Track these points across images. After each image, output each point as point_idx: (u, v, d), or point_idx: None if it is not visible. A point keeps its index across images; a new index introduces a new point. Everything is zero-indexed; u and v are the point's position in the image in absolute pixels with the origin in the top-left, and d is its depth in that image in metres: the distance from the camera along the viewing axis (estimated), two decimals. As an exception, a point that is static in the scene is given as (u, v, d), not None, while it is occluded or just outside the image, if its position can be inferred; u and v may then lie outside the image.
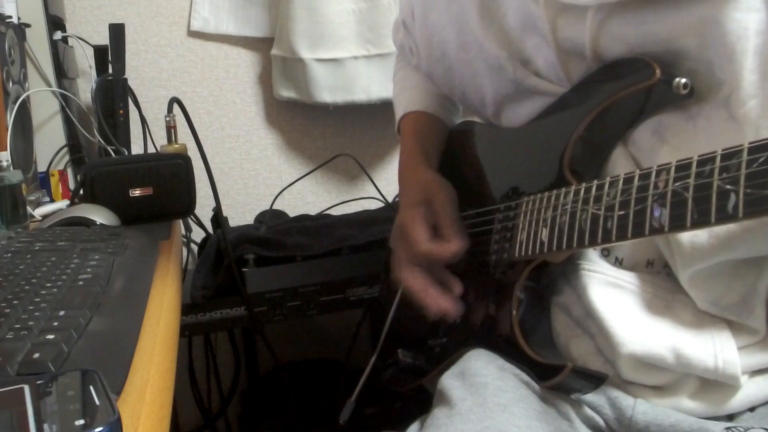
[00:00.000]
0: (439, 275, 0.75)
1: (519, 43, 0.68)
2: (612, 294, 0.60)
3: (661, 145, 0.58)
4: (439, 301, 0.72)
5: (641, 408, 0.59)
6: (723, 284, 0.57)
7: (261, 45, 1.52)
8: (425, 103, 0.88)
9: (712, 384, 0.58)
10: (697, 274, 0.57)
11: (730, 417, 0.59)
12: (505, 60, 0.69)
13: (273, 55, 1.48)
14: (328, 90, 1.45)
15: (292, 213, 1.47)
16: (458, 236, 0.72)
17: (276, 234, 1.22)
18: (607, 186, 0.56)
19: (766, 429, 0.55)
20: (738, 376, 0.56)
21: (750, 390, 0.58)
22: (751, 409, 0.59)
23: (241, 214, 1.56)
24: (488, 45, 0.70)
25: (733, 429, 0.56)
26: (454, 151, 0.85)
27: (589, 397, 0.62)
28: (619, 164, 0.61)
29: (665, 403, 0.59)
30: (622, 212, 0.53)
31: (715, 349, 0.56)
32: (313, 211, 1.52)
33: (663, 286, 0.60)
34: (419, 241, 0.73)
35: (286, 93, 1.49)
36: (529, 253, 0.64)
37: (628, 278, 0.61)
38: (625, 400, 0.60)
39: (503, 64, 0.69)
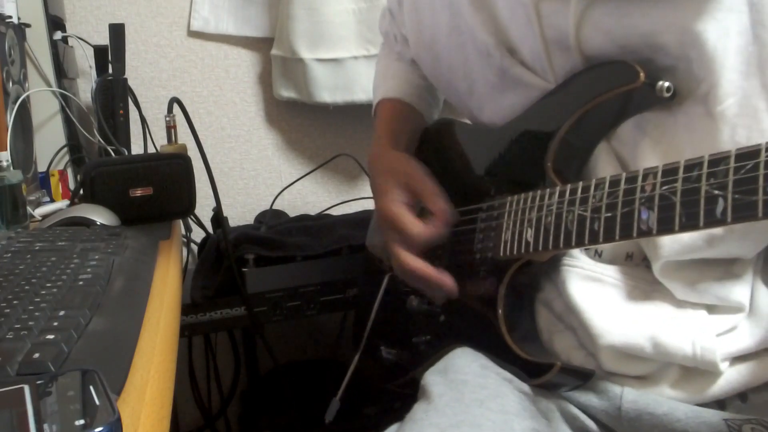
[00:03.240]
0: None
1: (506, 30, 0.68)
2: (591, 287, 0.61)
3: (643, 137, 0.59)
4: (445, 279, 0.71)
5: (629, 396, 0.60)
6: (694, 271, 0.58)
7: (261, 45, 1.52)
8: (403, 92, 0.88)
9: (694, 372, 0.58)
10: (669, 266, 0.58)
11: (721, 404, 0.59)
12: (493, 47, 0.69)
13: (273, 55, 1.48)
14: (328, 90, 1.45)
15: (292, 213, 1.47)
16: (445, 209, 0.72)
17: (276, 234, 1.22)
18: (592, 188, 0.56)
19: (763, 424, 0.55)
20: (716, 363, 0.56)
21: (731, 377, 0.58)
22: (743, 399, 0.59)
23: (241, 214, 1.56)
24: (478, 31, 0.70)
25: (730, 422, 0.56)
26: (431, 149, 0.85)
27: (575, 391, 0.62)
28: (602, 159, 0.62)
29: (648, 393, 0.60)
30: (609, 214, 0.54)
31: (693, 337, 0.57)
32: (313, 211, 1.52)
33: (642, 278, 0.61)
34: (411, 227, 0.72)
35: (286, 93, 1.49)
36: (514, 252, 0.64)
37: (607, 271, 0.62)
38: (612, 390, 0.61)
39: (491, 51, 0.69)
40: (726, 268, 0.58)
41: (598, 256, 0.63)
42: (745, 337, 0.58)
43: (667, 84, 0.56)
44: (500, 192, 0.69)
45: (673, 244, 0.56)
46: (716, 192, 0.46)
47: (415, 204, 0.75)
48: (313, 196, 1.61)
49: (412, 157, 0.79)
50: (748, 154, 0.45)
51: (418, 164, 0.77)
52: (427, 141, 0.86)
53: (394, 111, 0.88)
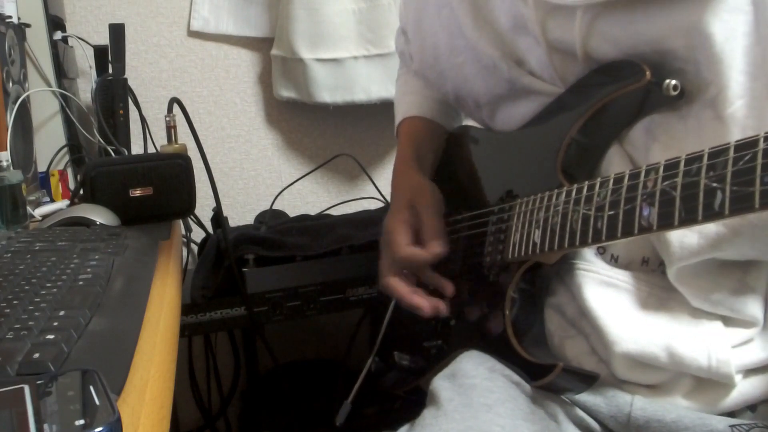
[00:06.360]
0: (427, 278, 0.76)
1: (512, 43, 0.68)
2: (606, 293, 0.61)
3: (653, 142, 0.59)
4: (424, 302, 0.72)
5: (639, 404, 0.59)
6: (709, 281, 0.57)
7: (261, 45, 1.52)
8: (424, 108, 0.89)
9: (707, 383, 0.58)
10: (683, 271, 0.57)
11: (732, 414, 0.59)
12: (499, 60, 0.69)
13: (273, 55, 1.48)
14: (328, 90, 1.45)
15: (292, 213, 1.47)
16: (437, 240, 0.73)
17: (276, 234, 1.22)
18: (597, 186, 0.56)
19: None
20: (731, 375, 0.56)
21: (745, 389, 0.58)
22: (752, 409, 0.59)
23: (241, 214, 1.56)
24: (482, 46, 0.70)
25: (736, 428, 0.56)
26: (451, 155, 0.85)
27: (584, 396, 0.62)
28: (615, 163, 0.61)
29: (660, 402, 0.59)
30: (612, 212, 0.54)
31: (708, 349, 0.57)
32: (313, 211, 1.52)
33: (658, 285, 0.60)
34: (400, 245, 0.75)
35: (286, 93, 1.49)
36: (522, 254, 0.64)
37: (622, 277, 0.61)
38: (622, 398, 0.60)
39: (497, 64, 0.69)
40: (740, 278, 0.57)
41: (614, 260, 0.62)
42: (759, 350, 0.58)
43: (674, 82, 0.55)
44: (512, 195, 0.69)
45: (682, 250, 0.56)
46: (714, 185, 0.46)
47: (416, 226, 0.77)
48: (313, 196, 1.61)
49: (430, 183, 0.80)
50: (748, 144, 0.45)
51: (431, 190, 0.78)
52: (447, 148, 0.87)
53: (417, 129, 0.88)
